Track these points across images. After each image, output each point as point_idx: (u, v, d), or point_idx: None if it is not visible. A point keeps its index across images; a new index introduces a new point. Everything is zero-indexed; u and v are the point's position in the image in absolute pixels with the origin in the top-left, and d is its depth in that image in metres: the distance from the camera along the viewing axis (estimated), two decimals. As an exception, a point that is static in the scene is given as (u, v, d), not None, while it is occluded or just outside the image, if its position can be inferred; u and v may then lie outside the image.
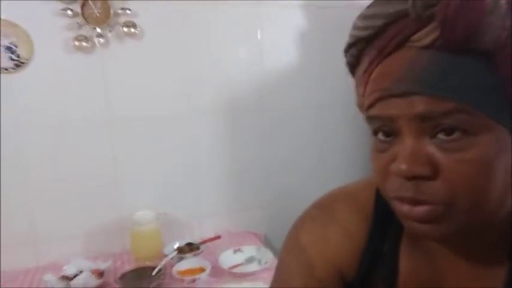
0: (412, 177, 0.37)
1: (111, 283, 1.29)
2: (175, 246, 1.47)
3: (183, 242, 1.49)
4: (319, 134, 1.77)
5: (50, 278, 1.23)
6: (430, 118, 0.36)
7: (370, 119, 0.41)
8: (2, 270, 1.36)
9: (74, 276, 1.26)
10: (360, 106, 0.42)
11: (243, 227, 1.71)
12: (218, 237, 1.46)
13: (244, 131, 1.65)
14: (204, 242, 1.48)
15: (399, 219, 0.42)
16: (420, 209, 0.38)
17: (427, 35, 0.35)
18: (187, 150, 1.58)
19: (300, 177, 1.77)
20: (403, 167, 0.37)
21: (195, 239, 1.52)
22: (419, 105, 0.35)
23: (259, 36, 1.60)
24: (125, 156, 1.50)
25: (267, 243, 1.74)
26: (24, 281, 1.35)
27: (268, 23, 1.60)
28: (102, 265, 1.32)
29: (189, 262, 1.34)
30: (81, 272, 1.29)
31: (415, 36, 0.36)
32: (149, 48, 1.46)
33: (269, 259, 1.37)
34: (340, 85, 1.68)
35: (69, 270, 1.30)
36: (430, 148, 0.37)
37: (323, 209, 0.56)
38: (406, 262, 0.49)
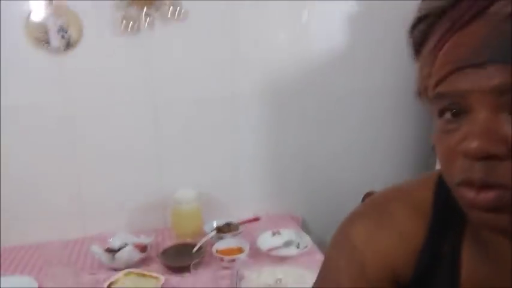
0: (483, 157, 0.33)
1: (153, 258, 1.33)
2: (215, 225, 1.50)
3: (222, 222, 1.51)
4: (367, 121, 1.71)
5: (97, 249, 1.29)
6: (508, 91, 0.32)
7: (437, 97, 0.37)
8: (51, 239, 1.46)
9: (119, 249, 1.32)
10: (423, 89, 0.39)
11: (281, 210, 1.71)
12: (257, 218, 1.47)
13: (289, 115, 1.62)
14: (243, 222, 1.49)
15: (461, 215, 0.39)
16: (488, 195, 0.34)
17: (506, 5, 0.32)
18: (229, 133, 1.58)
19: (345, 164, 1.73)
20: (475, 144, 0.33)
21: (233, 220, 1.54)
22: (498, 76, 0.32)
23: (305, 18, 1.55)
24: (167, 136, 1.52)
25: (304, 226, 1.73)
26: (73, 249, 1.43)
27: (315, 4, 1.54)
28: (145, 240, 1.37)
29: (228, 242, 1.36)
30: (125, 245, 1.34)
31: (494, 6, 0.33)
32: (194, 29, 1.45)
33: (308, 244, 1.36)
34: (392, 70, 1.60)
35: (114, 243, 1.36)
36: (505, 125, 0.33)
37: (377, 207, 0.53)
38: (467, 264, 0.45)
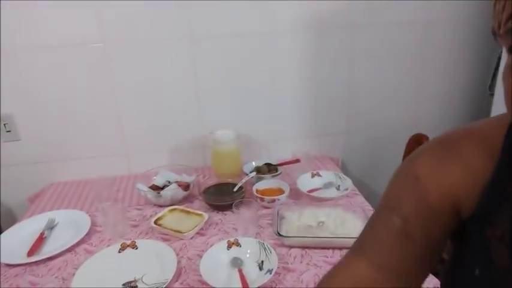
0: None
1: (195, 196, 1.37)
2: (254, 165, 1.51)
3: (262, 163, 1.51)
4: (417, 60, 1.59)
5: (142, 187, 1.34)
6: None
7: (507, 32, 0.37)
8: (99, 176, 1.53)
9: (163, 187, 1.36)
10: (497, 26, 0.39)
11: (321, 151, 1.68)
12: (297, 160, 1.45)
13: (332, 52, 1.53)
14: (283, 164, 1.49)
15: None
16: None
17: None
18: (269, 71, 1.52)
19: (389, 106, 1.65)
20: None
21: (272, 160, 1.53)
22: None
23: None
24: (206, 76, 1.49)
25: (343, 168, 1.72)
26: (119, 187, 1.50)
27: None
28: (187, 178, 1.40)
29: (268, 182, 1.37)
30: (168, 183, 1.39)
31: None
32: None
33: (348, 186, 1.35)
34: (449, 3, 1.45)
35: (158, 181, 1.41)
36: None
37: (444, 143, 0.52)
38: None
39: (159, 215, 1.22)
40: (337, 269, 0.55)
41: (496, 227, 0.45)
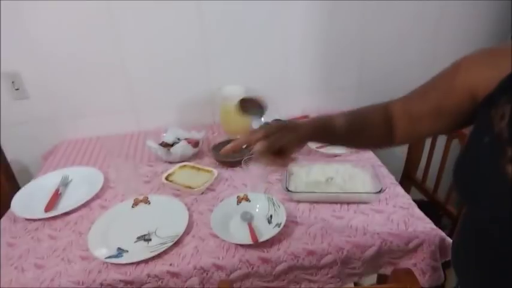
0: None
1: (205, 152, 1.38)
2: (263, 121, 1.50)
3: (271, 119, 1.50)
4: (433, 6, 1.51)
5: (152, 144, 1.35)
6: None
7: None
8: (109, 133, 1.54)
9: (172, 144, 1.37)
10: None
11: (330, 107, 1.66)
12: (307, 116, 1.44)
13: (344, 4, 1.45)
14: (292, 120, 1.47)
15: None
16: None
17: None
18: (277, 25, 1.47)
19: (403, 57, 1.60)
20: None
21: (282, 117, 1.52)
22: None
23: None
24: (213, 31, 1.44)
25: (353, 124, 1.70)
26: (130, 143, 1.51)
27: None
28: (196, 135, 1.41)
29: (277, 139, 1.36)
30: (178, 140, 1.40)
31: None
32: None
33: (358, 142, 1.34)
34: None
35: (167, 138, 1.42)
36: None
37: (494, 50, 0.61)
38: None
39: (169, 171, 1.25)
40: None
41: (499, 108, 0.56)
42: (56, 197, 1.17)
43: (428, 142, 1.44)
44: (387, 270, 0.98)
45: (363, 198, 1.06)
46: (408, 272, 0.75)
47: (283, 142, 0.71)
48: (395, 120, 0.77)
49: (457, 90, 0.64)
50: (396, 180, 1.18)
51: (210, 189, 1.18)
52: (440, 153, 1.34)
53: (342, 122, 0.78)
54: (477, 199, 0.60)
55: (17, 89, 1.44)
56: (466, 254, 0.69)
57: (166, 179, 1.21)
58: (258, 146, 0.70)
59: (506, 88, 0.56)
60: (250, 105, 0.93)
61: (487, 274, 0.64)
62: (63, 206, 1.14)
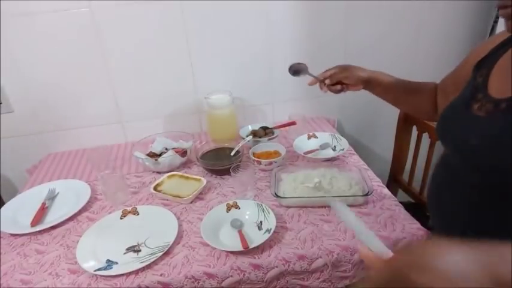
0: None
1: (193, 161, 1.38)
2: (250, 129, 1.51)
3: (258, 127, 1.51)
4: (415, 6, 1.55)
5: (140, 154, 1.35)
6: None
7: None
8: (96, 145, 1.53)
9: (160, 154, 1.37)
10: None
11: (316, 113, 1.68)
12: (293, 122, 1.45)
13: (327, 9, 1.49)
14: (279, 127, 1.49)
15: None
16: None
17: None
18: (263, 32, 1.48)
19: (388, 63, 1.62)
20: None
21: (268, 124, 1.53)
22: None
23: None
24: (197, 38, 1.45)
25: (339, 128, 1.72)
26: (117, 155, 1.50)
27: None
28: (184, 144, 1.41)
29: (265, 146, 1.37)
30: (166, 150, 1.39)
31: None
32: None
33: (344, 146, 1.36)
34: None
35: (155, 148, 1.42)
36: None
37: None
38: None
39: (158, 181, 1.24)
40: None
41: (481, 73, 0.76)
42: (43, 210, 1.15)
43: (413, 144, 1.47)
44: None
45: (351, 201, 1.07)
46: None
47: (339, 77, 1.07)
48: (437, 93, 1.01)
49: (468, 62, 0.84)
50: (383, 183, 1.20)
51: (199, 197, 1.18)
52: (424, 156, 1.37)
53: (391, 79, 1.06)
54: (449, 136, 0.79)
55: (0, 103, 1.42)
56: (437, 189, 0.84)
57: (155, 189, 1.20)
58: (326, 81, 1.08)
59: (493, 54, 0.75)
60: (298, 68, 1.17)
61: (454, 205, 0.78)
62: (50, 219, 1.12)
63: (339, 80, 1.07)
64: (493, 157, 0.67)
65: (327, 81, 1.07)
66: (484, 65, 0.78)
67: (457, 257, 0.43)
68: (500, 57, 0.75)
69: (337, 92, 1.09)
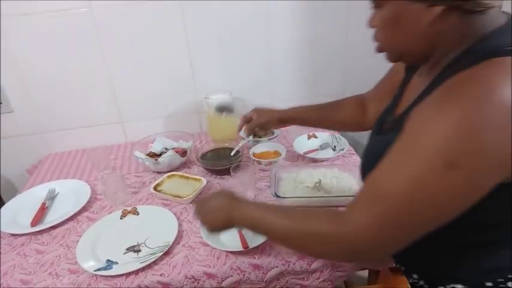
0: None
1: (193, 161, 1.38)
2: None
3: (258, 126, 1.51)
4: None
5: (139, 154, 1.35)
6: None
7: None
8: (96, 145, 1.52)
9: (160, 154, 1.37)
10: None
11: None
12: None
13: (327, 10, 1.48)
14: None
15: None
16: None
17: None
18: (263, 32, 1.48)
19: (386, 64, 1.62)
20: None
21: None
22: None
23: None
24: (197, 38, 1.45)
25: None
26: (117, 155, 1.50)
27: None
28: (184, 144, 1.41)
29: (264, 146, 1.38)
30: (166, 149, 1.39)
31: None
32: None
33: (344, 146, 1.36)
34: None
35: (155, 148, 1.42)
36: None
37: None
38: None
39: (158, 181, 1.24)
40: None
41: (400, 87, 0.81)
42: (43, 210, 1.15)
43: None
44: (377, 266, 0.99)
45: (350, 201, 1.07)
46: (396, 272, 0.76)
47: (262, 121, 1.15)
48: (368, 102, 1.04)
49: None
50: (383, 182, 1.20)
51: (199, 198, 1.18)
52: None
53: (312, 111, 1.11)
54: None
55: (0, 103, 1.42)
56: None
57: (155, 189, 1.20)
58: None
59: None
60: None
61: None
62: (50, 219, 1.12)
63: (257, 125, 1.17)
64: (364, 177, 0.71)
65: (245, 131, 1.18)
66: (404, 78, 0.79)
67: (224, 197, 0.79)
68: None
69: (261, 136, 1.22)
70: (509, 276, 0.64)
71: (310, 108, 1.12)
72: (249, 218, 0.72)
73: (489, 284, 0.65)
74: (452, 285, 0.68)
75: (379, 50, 0.69)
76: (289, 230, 0.66)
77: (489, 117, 0.47)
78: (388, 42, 0.66)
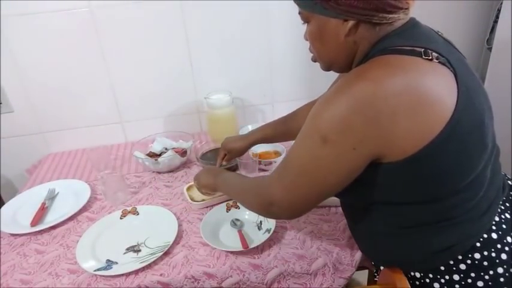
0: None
1: (193, 160, 1.38)
2: (250, 129, 1.51)
3: (257, 126, 1.51)
4: (415, 5, 1.54)
5: (139, 154, 1.35)
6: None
7: None
8: (96, 145, 1.53)
9: (160, 154, 1.37)
10: None
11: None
12: (292, 122, 1.45)
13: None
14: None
15: None
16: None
17: None
18: (262, 32, 1.48)
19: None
20: None
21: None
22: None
23: None
24: (197, 38, 1.45)
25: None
26: (117, 155, 1.50)
27: None
28: (184, 144, 1.41)
29: (264, 146, 1.37)
30: (165, 149, 1.39)
31: None
32: None
33: (344, 146, 1.36)
34: None
35: (155, 148, 1.42)
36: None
37: None
38: None
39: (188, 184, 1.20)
40: None
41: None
42: (42, 210, 1.15)
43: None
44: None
45: (351, 201, 1.07)
46: (397, 272, 0.76)
47: (237, 154, 1.20)
48: None
49: None
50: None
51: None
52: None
53: (277, 125, 1.18)
54: None
55: (0, 103, 1.43)
56: None
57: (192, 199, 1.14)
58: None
59: None
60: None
61: None
62: (50, 219, 1.12)
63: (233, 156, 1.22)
64: None
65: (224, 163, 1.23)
66: None
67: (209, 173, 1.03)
68: None
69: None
70: (459, 257, 0.70)
71: (274, 124, 1.18)
72: (222, 178, 0.96)
73: (442, 268, 0.72)
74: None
75: (313, 60, 0.79)
76: (235, 189, 0.91)
77: (357, 104, 0.59)
78: (318, 53, 0.76)
